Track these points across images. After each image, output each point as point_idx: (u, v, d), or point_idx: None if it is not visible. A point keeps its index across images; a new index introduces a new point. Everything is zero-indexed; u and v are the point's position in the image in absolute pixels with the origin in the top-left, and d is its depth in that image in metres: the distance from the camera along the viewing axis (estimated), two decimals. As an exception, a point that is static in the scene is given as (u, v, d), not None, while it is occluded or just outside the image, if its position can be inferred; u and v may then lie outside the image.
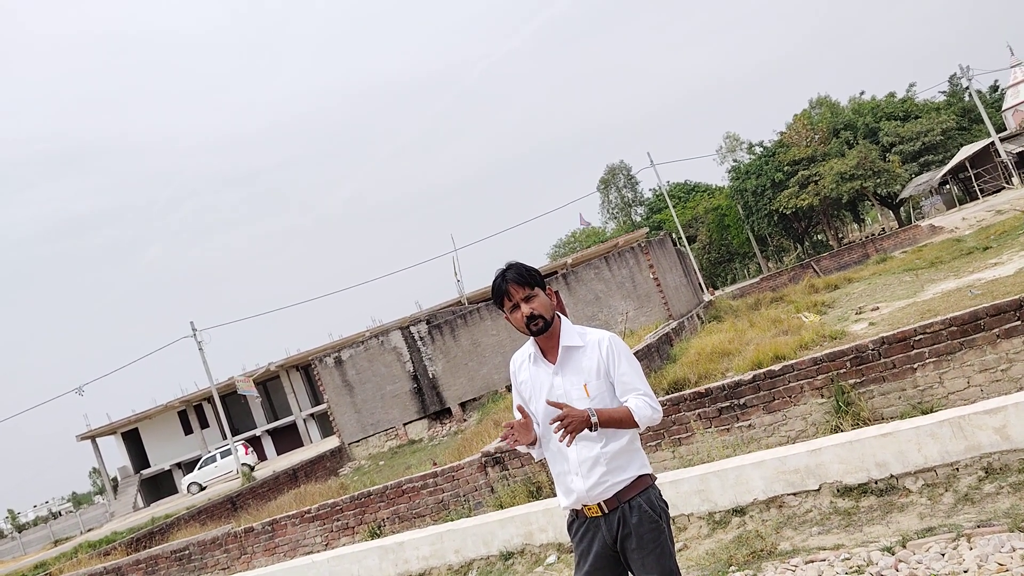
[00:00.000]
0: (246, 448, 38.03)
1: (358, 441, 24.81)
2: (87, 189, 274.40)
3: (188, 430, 47.92)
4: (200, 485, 37.45)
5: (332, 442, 30.49)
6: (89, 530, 43.31)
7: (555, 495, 7.99)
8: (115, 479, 49.80)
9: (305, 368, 45.43)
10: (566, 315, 3.22)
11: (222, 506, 19.41)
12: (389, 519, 9.56)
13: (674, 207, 69.32)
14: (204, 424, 47.48)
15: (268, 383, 47.50)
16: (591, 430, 2.81)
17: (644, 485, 3.00)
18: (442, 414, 24.26)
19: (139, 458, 48.44)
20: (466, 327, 24.29)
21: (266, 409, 47.22)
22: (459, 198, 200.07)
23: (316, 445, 39.31)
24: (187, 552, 11.69)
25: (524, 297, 3.02)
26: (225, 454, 37.05)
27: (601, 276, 24.38)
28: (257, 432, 46.03)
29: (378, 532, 9.46)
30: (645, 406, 2.90)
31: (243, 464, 34.59)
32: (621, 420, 2.88)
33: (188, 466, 44.96)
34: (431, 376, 24.19)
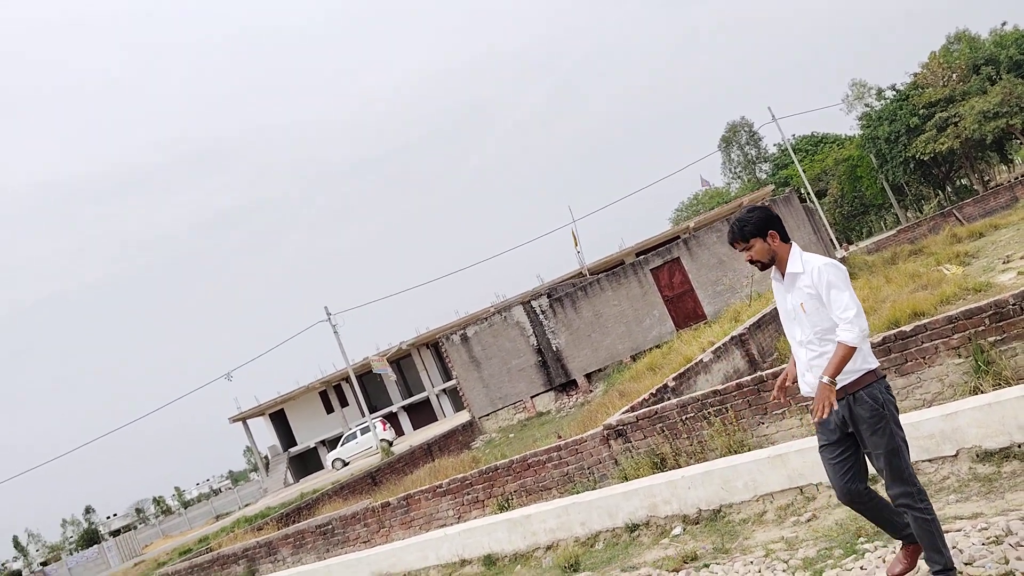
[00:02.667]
0: (384, 424, 39.53)
1: (488, 415, 25.32)
2: (227, 185, 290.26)
3: (329, 409, 50.27)
4: (343, 461, 39.25)
5: (464, 416, 31.26)
6: (246, 505, 46.32)
7: (678, 467, 7.93)
8: (266, 457, 52.96)
9: (435, 345, 46.64)
10: (791, 243, 3.93)
11: (363, 481, 20.30)
12: (516, 492, 9.74)
13: (801, 161, 66.49)
14: (344, 403, 49.66)
15: (401, 361, 49.11)
16: (835, 387, 3.53)
17: (868, 380, 3.61)
18: (568, 386, 24.40)
19: (286, 437, 51.26)
20: (587, 299, 24.24)
21: (401, 386, 48.85)
22: (577, 169, 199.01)
23: (449, 419, 40.40)
24: (330, 527, 12.31)
25: (743, 248, 3.86)
26: (365, 431, 38.63)
27: (724, 239, 23.73)
28: (393, 408, 47.74)
29: (506, 505, 9.65)
30: (847, 331, 3.50)
31: (382, 440, 35.96)
32: (842, 359, 3.53)
33: (331, 443, 47.22)
34: (555, 349, 24.34)
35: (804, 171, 58.44)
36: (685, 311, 23.89)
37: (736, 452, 7.58)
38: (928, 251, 23.84)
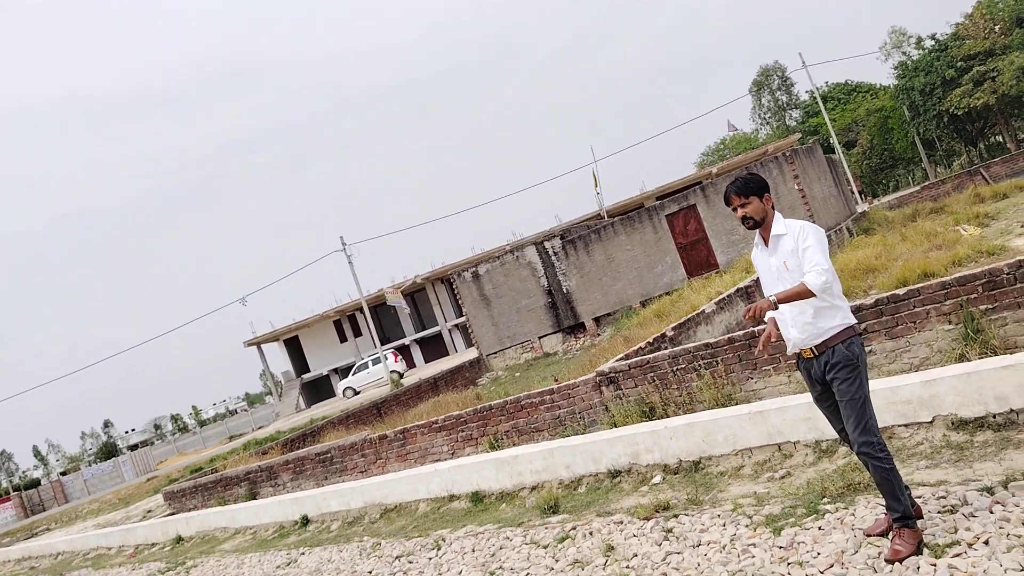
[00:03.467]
0: (395, 356, 40.02)
1: (495, 353, 25.55)
2: (251, 109, 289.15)
3: (343, 338, 50.85)
4: (355, 390, 39.88)
5: (473, 352, 31.57)
6: (259, 428, 47.36)
7: (666, 416, 8.01)
8: (280, 382, 53.85)
9: (449, 281, 46.84)
10: (774, 211, 4.25)
11: (368, 411, 20.66)
12: (508, 433, 9.90)
13: (832, 110, 65.03)
14: (357, 333, 50.20)
15: (415, 294, 49.42)
16: (773, 308, 3.83)
17: (847, 335, 3.88)
18: (576, 328, 24.51)
19: (300, 363, 52.02)
20: (600, 242, 24.17)
21: (414, 319, 49.26)
22: (602, 108, 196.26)
23: (461, 354, 40.81)
24: (329, 455, 12.60)
25: (741, 203, 4.06)
26: (376, 361, 39.14)
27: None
28: (406, 341, 48.23)
29: (496, 444, 9.82)
30: (815, 276, 3.75)
31: (392, 371, 36.46)
32: (798, 294, 3.79)
33: (344, 371, 47.92)
34: (565, 291, 24.39)
35: (835, 120, 57.12)
36: (698, 259, 23.78)
37: (724, 405, 7.64)
38: (949, 210, 23.48)
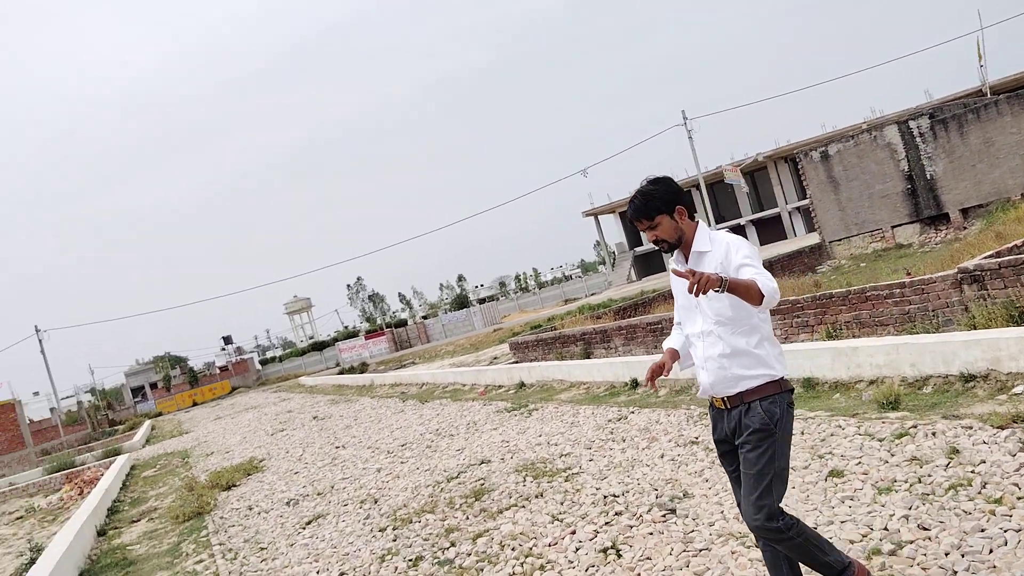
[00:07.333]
0: (730, 236, 39.42)
1: (840, 240, 24.10)
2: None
3: (677, 214, 50.99)
4: (685, 266, 40.16)
5: (814, 238, 30.05)
6: (592, 294, 49.91)
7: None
8: (613, 253, 55.75)
9: (793, 160, 44.43)
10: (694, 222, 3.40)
11: (699, 288, 20.81)
12: (848, 323, 9.49)
13: None
14: (692, 210, 49.95)
15: (755, 173, 47.67)
16: (719, 290, 2.86)
17: (769, 391, 3.16)
18: (937, 219, 22.16)
19: (633, 236, 53.34)
20: (978, 123, 21.23)
21: (752, 199, 47.77)
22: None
23: (799, 239, 39.08)
24: (660, 326, 13.06)
25: (647, 227, 3.29)
26: (710, 240, 38.88)
27: None
28: (742, 221, 47.13)
29: (835, 334, 9.49)
30: (767, 281, 2.93)
31: (725, 251, 36.03)
32: (748, 288, 2.92)
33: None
34: (928, 177, 21.98)
35: None
36: (1107, 147, 20.02)
37: (1118, 318, 6.66)
38: None
